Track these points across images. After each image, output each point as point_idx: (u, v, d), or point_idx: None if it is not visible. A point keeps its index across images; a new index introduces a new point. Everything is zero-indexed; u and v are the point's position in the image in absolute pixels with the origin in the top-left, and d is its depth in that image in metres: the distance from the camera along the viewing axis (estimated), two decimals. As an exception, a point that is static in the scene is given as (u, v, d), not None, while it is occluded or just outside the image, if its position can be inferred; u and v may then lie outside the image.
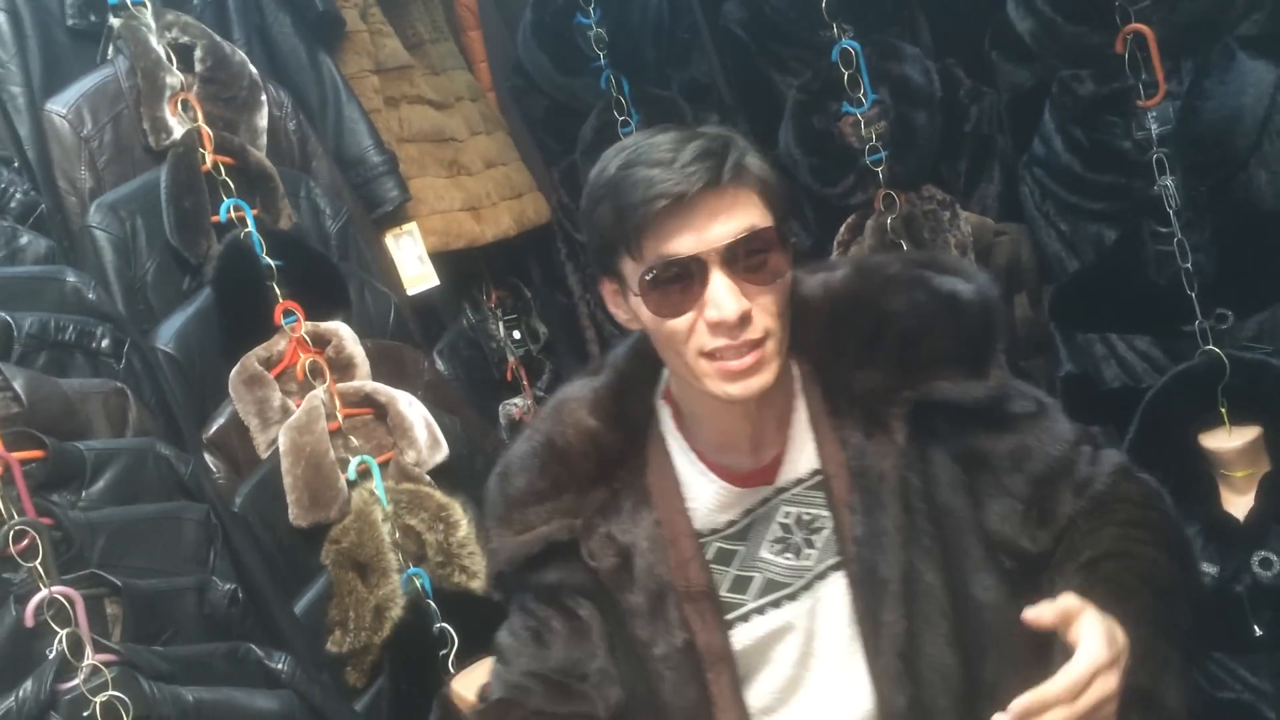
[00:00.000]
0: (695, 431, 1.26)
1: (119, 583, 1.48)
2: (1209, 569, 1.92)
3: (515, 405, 2.58)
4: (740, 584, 1.25)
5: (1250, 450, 1.96)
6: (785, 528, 1.24)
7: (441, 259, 2.44)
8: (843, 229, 2.30)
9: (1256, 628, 1.91)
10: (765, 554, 1.24)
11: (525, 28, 2.61)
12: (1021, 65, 2.20)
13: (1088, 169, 2.09)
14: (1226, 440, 1.98)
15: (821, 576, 1.24)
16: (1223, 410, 1.97)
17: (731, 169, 1.10)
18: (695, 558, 1.23)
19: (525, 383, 2.62)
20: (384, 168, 2.30)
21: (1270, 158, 1.92)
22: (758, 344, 1.12)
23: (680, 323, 1.12)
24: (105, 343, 1.68)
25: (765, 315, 1.12)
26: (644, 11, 2.54)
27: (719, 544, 1.25)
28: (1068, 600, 1.06)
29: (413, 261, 2.37)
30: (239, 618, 1.62)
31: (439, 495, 1.96)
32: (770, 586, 1.24)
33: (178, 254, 1.91)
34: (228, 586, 1.61)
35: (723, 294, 1.10)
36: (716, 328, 1.11)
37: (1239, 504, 1.95)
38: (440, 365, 2.39)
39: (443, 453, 2.01)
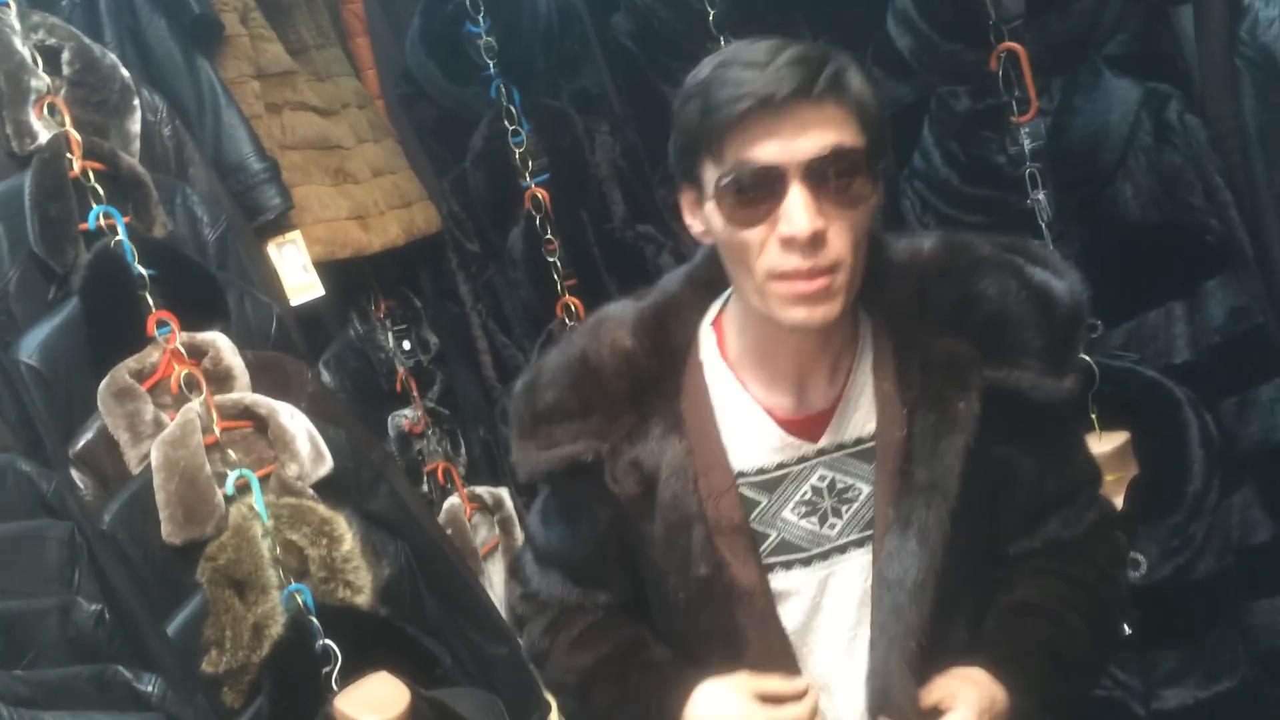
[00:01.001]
0: (744, 364, 1.21)
1: None
2: (1080, 570, 1.99)
3: (405, 416, 2.54)
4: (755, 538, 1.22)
5: (1119, 455, 2.03)
6: (817, 491, 1.20)
7: (327, 268, 2.39)
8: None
9: (1126, 627, 1.97)
10: (788, 514, 1.20)
11: (414, 35, 2.58)
12: (902, 81, 2.24)
13: (965, 183, 2.15)
14: (1096, 445, 2.03)
15: (842, 550, 1.21)
16: (1093, 416, 2.04)
17: (827, 80, 1.05)
18: (731, 490, 1.20)
19: (415, 394, 2.58)
20: (265, 175, 2.24)
21: (1134, 172, 1.99)
22: (828, 270, 1.08)
23: (752, 235, 1.08)
24: (-39, 356, 1.60)
25: (840, 242, 1.08)
26: (534, 21, 2.53)
27: (743, 489, 1.21)
28: (950, 686, 1.14)
29: (296, 271, 2.32)
30: (106, 639, 1.55)
31: (322, 509, 1.91)
32: (784, 547, 1.21)
33: (43, 263, 1.83)
34: (94, 607, 1.54)
35: (799, 209, 1.05)
36: (789, 245, 1.06)
37: (1109, 507, 2.02)
38: (326, 377, 2.35)
39: (326, 466, 1.97)
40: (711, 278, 1.25)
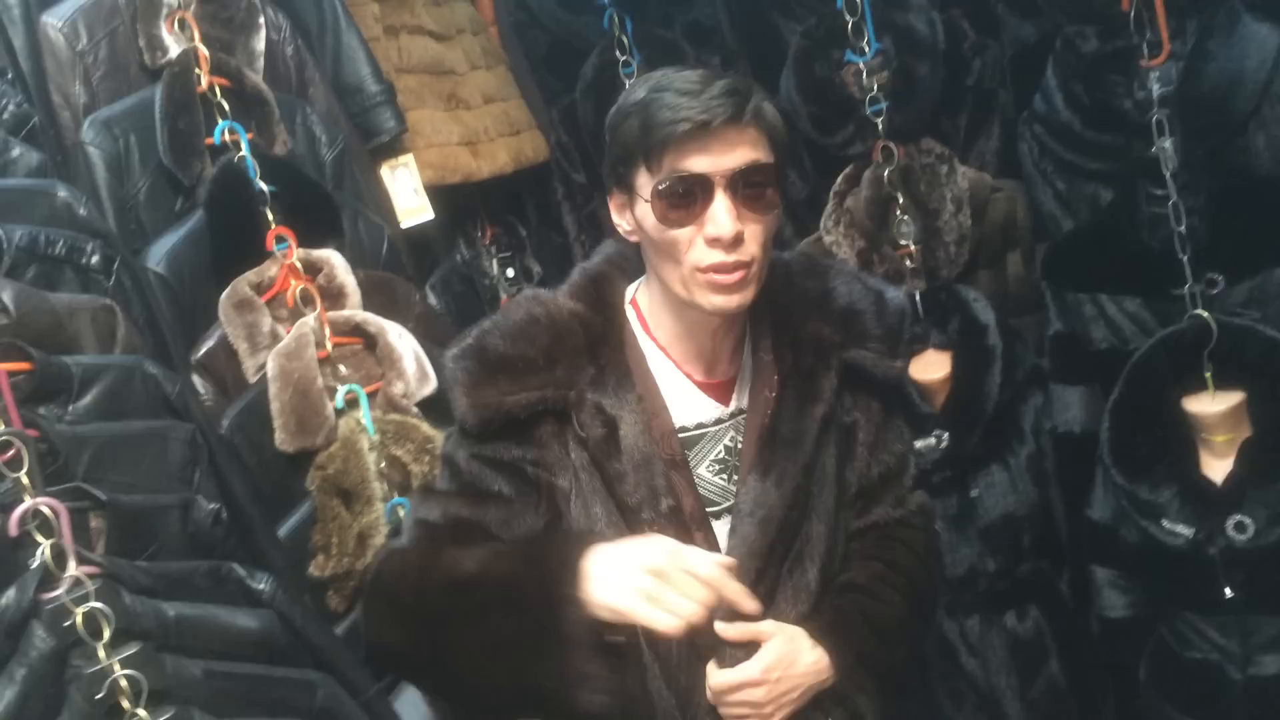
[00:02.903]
0: (664, 342, 1.39)
1: (104, 497, 1.48)
2: (1184, 531, 1.95)
3: (506, 343, 2.58)
4: None
5: (1232, 416, 1.98)
6: (728, 450, 1.38)
7: (437, 193, 2.43)
8: (840, 179, 2.30)
9: (1228, 590, 1.93)
10: (704, 471, 1.37)
11: (529, -38, 2.59)
12: (1027, 20, 2.19)
13: (1087, 128, 2.09)
14: (1209, 405, 1.99)
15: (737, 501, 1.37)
16: (1207, 375, 1.99)
17: (753, 110, 1.25)
18: (673, 431, 1.36)
19: (517, 321, 2.61)
20: (381, 97, 2.28)
21: (1269, 122, 1.92)
22: (745, 265, 1.27)
23: (682, 234, 1.26)
24: (95, 259, 1.66)
25: (754, 242, 1.27)
26: (649, -50, 2.51)
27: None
28: (769, 629, 1.32)
29: (408, 194, 2.36)
30: (222, 537, 1.62)
31: (425, 427, 1.97)
32: (704, 502, 1.37)
33: (171, 174, 1.89)
34: (212, 506, 1.61)
35: (723, 213, 1.24)
36: (714, 243, 1.25)
37: (1218, 468, 1.97)
38: (432, 299, 2.39)
39: (431, 386, 2.01)
40: (624, 265, 1.44)
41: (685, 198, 1.25)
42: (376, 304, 2.05)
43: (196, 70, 1.93)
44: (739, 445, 1.38)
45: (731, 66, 2.57)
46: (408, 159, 2.37)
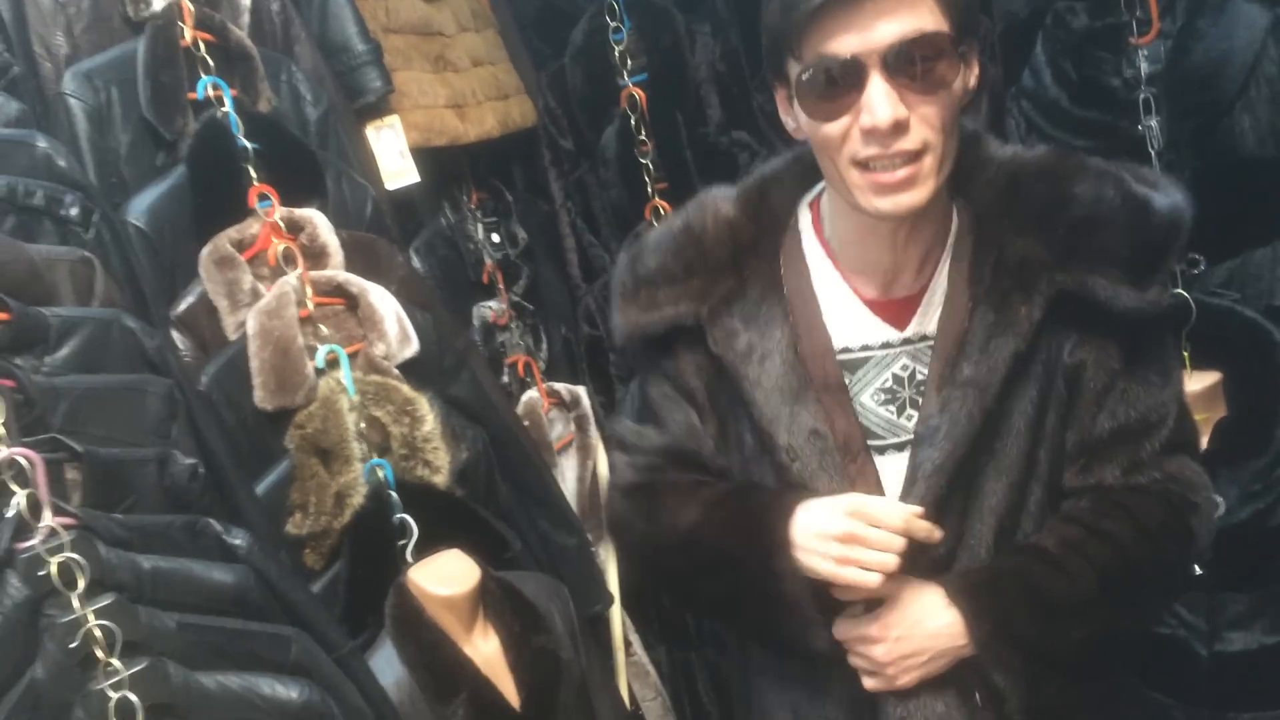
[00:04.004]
0: (835, 246, 1.24)
1: (80, 449, 1.48)
2: (1156, 507, 1.97)
3: (490, 308, 2.58)
4: None
5: (1208, 395, 2.00)
6: (898, 380, 1.23)
7: (423, 155, 2.42)
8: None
9: (1197, 567, 1.95)
10: (867, 400, 1.23)
11: (519, -77, 2.57)
12: (1018, -6, 2.18)
13: (1075, 104, 2.09)
14: (1187, 384, 1.99)
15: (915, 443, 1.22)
16: (1185, 354, 2.00)
17: None
18: (830, 351, 1.23)
19: (501, 286, 2.61)
20: (368, 57, 2.27)
21: (1255, 103, 1.92)
22: (914, 157, 1.10)
23: (834, 128, 1.11)
24: (74, 211, 1.66)
25: (925, 126, 1.09)
26: (641, -87, 2.49)
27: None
28: (896, 589, 1.19)
29: (393, 155, 2.35)
30: (199, 492, 1.62)
31: (406, 389, 1.97)
32: (864, 434, 1.24)
33: (153, 129, 1.88)
34: (189, 461, 1.61)
35: (879, 99, 1.07)
36: (870, 134, 1.09)
37: (1192, 446, 1.99)
38: (416, 262, 2.38)
39: (412, 348, 2.02)
40: (814, 163, 1.25)
41: (834, 86, 1.08)
42: (359, 265, 2.04)
43: (180, 24, 1.91)
44: (917, 375, 1.22)
45: (723, 35, 2.57)
46: (393, 120, 2.35)
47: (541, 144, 2.72)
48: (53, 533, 1.41)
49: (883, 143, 1.08)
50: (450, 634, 1.76)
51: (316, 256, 1.99)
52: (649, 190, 2.51)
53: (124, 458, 1.55)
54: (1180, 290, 1.98)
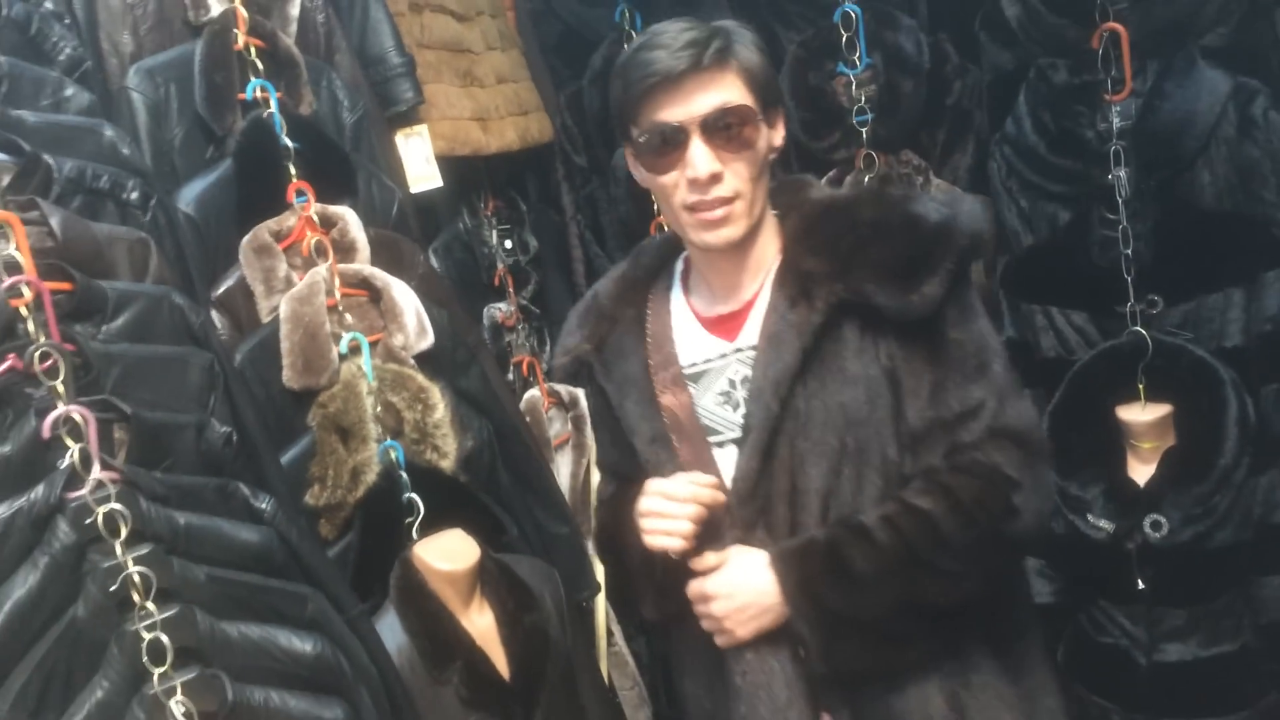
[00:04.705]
0: (690, 282, 1.52)
1: (128, 410, 1.56)
2: (1106, 526, 2.10)
3: (499, 310, 2.69)
4: None
5: (1160, 425, 2.14)
6: (731, 383, 1.45)
7: (446, 163, 2.53)
8: (823, 181, 2.42)
9: (1140, 581, 2.09)
10: (708, 402, 1.47)
11: (548, -47, 2.69)
12: (1006, 49, 2.31)
13: (1051, 152, 2.22)
14: (1140, 414, 2.15)
15: (746, 431, 1.43)
16: (1141, 386, 2.14)
17: (712, 55, 1.32)
18: (678, 368, 1.47)
19: (511, 290, 2.72)
20: (402, 69, 2.39)
21: (1215, 160, 2.06)
22: (728, 201, 1.36)
23: (667, 179, 1.37)
24: (134, 195, 1.77)
25: (736, 177, 1.35)
26: (663, -48, 2.63)
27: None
28: (726, 555, 1.41)
29: (419, 161, 2.46)
30: (231, 459, 1.70)
31: (420, 378, 2.06)
32: (707, 431, 1.47)
33: (205, 124, 2.01)
34: (224, 429, 1.70)
35: (699, 156, 1.33)
36: (693, 184, 1.35)
37: (1142, 472, 2.13)
38: (434, 261, 2.48)
39: (428, 340, 2.11)
40: None
41: (665, 146, 1.35)
42: (384, 261, 2.15)
43: (235, 30, 2.04)
44: (746, 378, 1.42)
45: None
46: (422, 129, 2.47)
47: (557, 159, 2.85)
48: (100, 485, 1.48)
49: (703, 190, 1.34)
50: (449, 607, 1.86)
51: (346, 251, 2.10)
52: (655, 208, 2.60)
53: (166, 421, 1.64)
54: (1139, 328, 2.12)
